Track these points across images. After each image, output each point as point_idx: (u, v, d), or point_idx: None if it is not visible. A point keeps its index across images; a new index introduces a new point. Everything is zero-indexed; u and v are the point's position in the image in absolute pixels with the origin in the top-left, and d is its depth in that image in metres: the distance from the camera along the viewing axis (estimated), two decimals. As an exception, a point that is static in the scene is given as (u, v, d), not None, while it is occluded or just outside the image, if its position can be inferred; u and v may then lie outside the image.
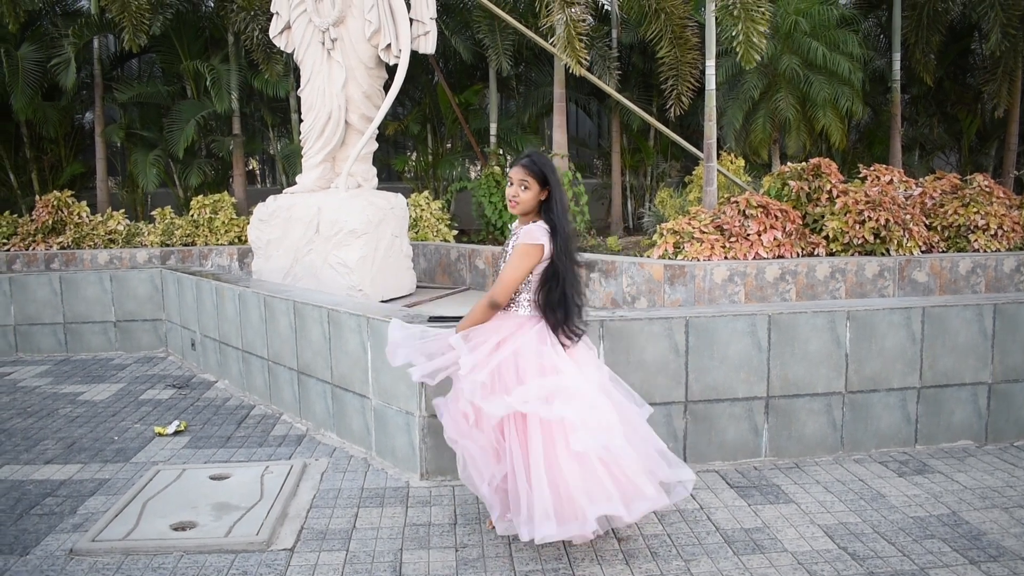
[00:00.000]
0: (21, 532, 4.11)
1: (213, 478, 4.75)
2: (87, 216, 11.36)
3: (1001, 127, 16.33)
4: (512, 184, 3.66)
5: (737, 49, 10.12)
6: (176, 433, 5.76)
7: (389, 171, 19.00)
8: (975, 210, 8.76)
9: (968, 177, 9.52)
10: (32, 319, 8.45)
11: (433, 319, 4.71)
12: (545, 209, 3.66)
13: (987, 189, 9.10)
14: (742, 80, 13.61)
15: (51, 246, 10.97)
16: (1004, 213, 8.85)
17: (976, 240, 8.63)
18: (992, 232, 8.69)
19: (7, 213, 11.80)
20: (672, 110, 12.08)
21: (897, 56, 14.62)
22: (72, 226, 11.15)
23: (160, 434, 5.72)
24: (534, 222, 3.67)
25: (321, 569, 3.64)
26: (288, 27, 8.72)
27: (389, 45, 8.25)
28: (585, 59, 10.64)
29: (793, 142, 13.82)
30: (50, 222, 11.08)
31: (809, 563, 3.62)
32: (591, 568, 3.60)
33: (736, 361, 4.83)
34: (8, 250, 10.97)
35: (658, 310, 5.07)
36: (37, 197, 12.04)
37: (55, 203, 11.18)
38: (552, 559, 3.68)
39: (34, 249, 10.92)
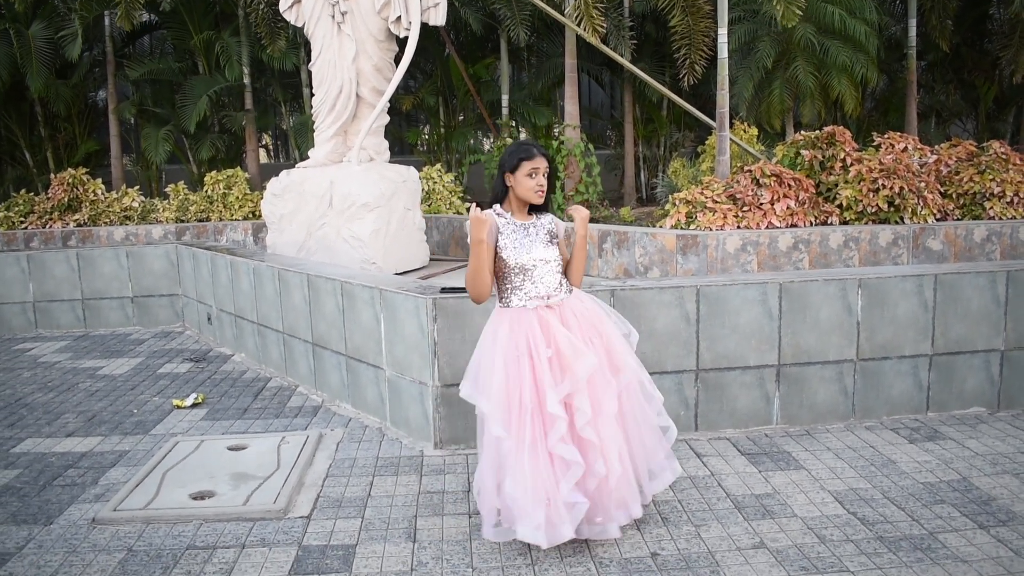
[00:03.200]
0: (45, 503, 4.21)
1: (231, 449, 4.83)
2: (102, 193, 11.42)
3: (1019, 93, 16.13)
4: (537, 174, 3.54)
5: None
6: (194, 406, 5.84)
7: (402, 144, 18.98)
8: (991, 177, 8.67)
9: (984, 144, 9.42)
10: (51, 296, 8.55)
11: (446, 290, 4.76)
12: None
13: (1003, 156, 8.99)
14: (755, 48, 13.47)
15: (67, 224, 11.05)
16: (1020, 180, 8.75)
17: (991, 207, 8.55)
18: (1008, 199, 8.61)
19: (23, 192, 11.88)
20: (685, 79, 11.98)
21: (913, 22, 14.42)
22: (88, 203, 11.22)
23: (178, 407, 5.81)
24: (542, 213, 3.70)
25: (337, 536, 3.71)
26: (298, 1, 8.71)
27: (399, 17, 8.23)
28: (601, 27, 10.56)
29: (808, 110, 13.69)
30: (66, 200, 11.15)
31: (819, 528, 3.65)
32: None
33: (747, 329, 4.84)
34: (25, 228, 11.06)
35: (669, 279, 5.08)
36: (52, 175, 12.09)
37: (70, 181, 11.24)
38: (564, 525, 3.73)
39: (51, 227, 11.01)
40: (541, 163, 3.54)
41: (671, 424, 3.78)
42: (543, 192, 3.57)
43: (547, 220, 3.67)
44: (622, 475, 3.48)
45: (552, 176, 3.64)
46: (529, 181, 3.54)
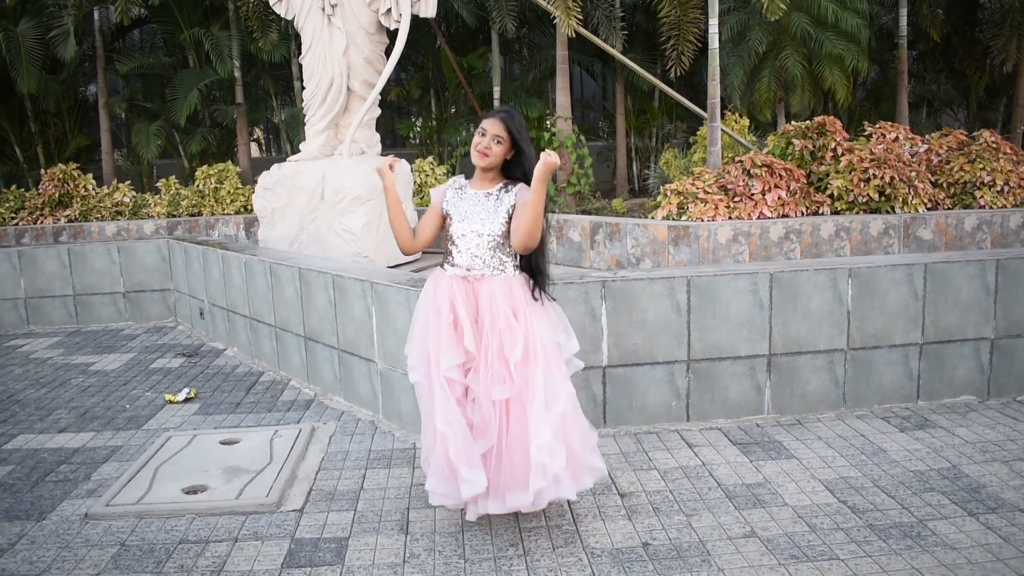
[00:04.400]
0: (37, 498, 4.21)
1: (223, 443, 4.84)
2: (93, 189, 11.38)
3: (1010, 82, 16.15)
4: (485, 135, 3.47)
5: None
6: (186, 400, 5.84)
7: (394, 137, 18.97)
8: (981, 166, 8.70)
9: (975, 133, 9.45)
10: (42, 292, 8.53)
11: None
12: (521, 173, 3.54)
13: (994, 145, 9.02)
14: (746, 38, 13.48)
15: (59, 219, 11.02)
16: (1011, 169, 8.78)
17: (982, 196, 8.58)
18: (998, 188, 8.64)
19: (14, 187, 11.83)
20: (673, 71, 11.99)
21: (904, 12, 14.43)
22: (79, 199, 11.18)
23: (171, 401, 5.81)
24: (507, 183, 3.57)
25: (330, 528, 3.72)
26: (287, -7, 8.67)
27: (389, 10, 8.20)
28: (579, 18, 10.54)
29: (798, 100, 13.71)
30: (57, 195, 11.11)
31: (809, 516, 3.68)
32: (594, 524, 3.67)
33: (738, 320, 4.86)
34: (16, 224, 11.03)
35: (660, 270, 5.09)
36: (43, 171, 12.05)
37: (61, 176, 11.20)
38: (555, 516, 3.75)
39: (42, 223, 10.98)
40: (492, 125, 3.47)
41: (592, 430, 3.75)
42: (483, 153, 3.47)
43: (513, 192, 3.54)
44: (520, 458, 3.42)
45: (515, 146, 3.51)
46: (476, 139, 3.50)
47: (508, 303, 3.50)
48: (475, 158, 3.51)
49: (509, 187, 3.57)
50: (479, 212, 3.54)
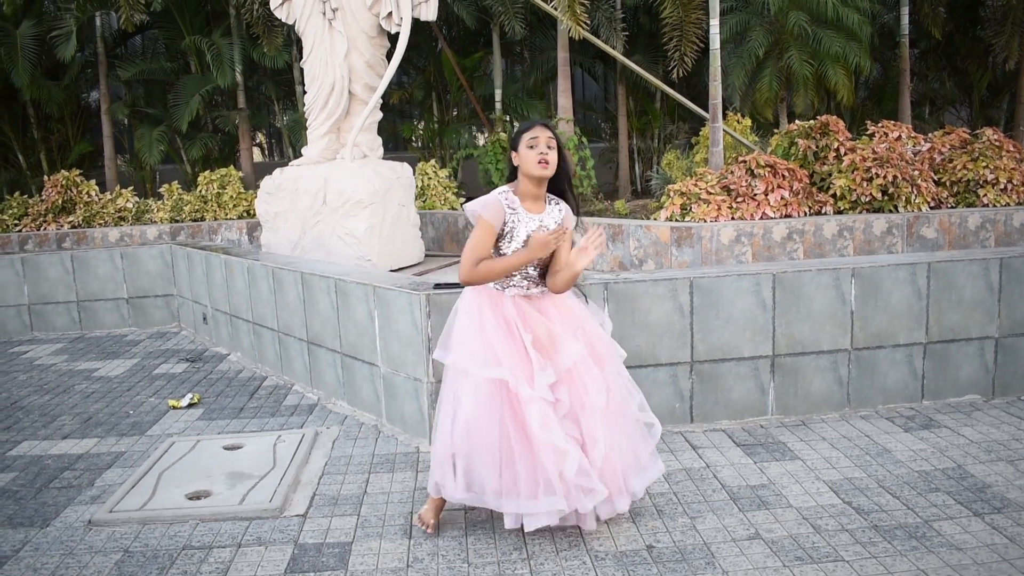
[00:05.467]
0: (41, 505, 4.21)
1: (227, 448, 4.83)
2: (96, 195, 11.41)
3: (1012, 80, 16.13)
4: (538, 144, 3.34)
5: None
6: (190, 406, 5.84)
7: (396, 140, 18.98)
8: (984, 164, 8.68)
9: (978, 131, 9.43)
10: (46, 298, 8.54)
11: (439, 285, 4.76)
12: (555, 185, 3.50)
13: (996, 143, 9.00)
14: (747, 38, 13.47)
15: (62, 225, 11.04)
16: (1014, 167, 8.76)
17: (985, 195, 8.56)
18: (1001, 186, 8.62)
19: (17, 194, 11.87)
20: (676, 71, 11.99)
21: (905, 10, 14.42)
22: (82, 205, 11.21)
23: (174, 407, 5.81)
24: (550, 197, 3.52)
25: (333, 533, 3.72)
26: (288, -2, 8.69)
27: (390, 13, 8.22)
28: (586, 22, 10.55)
29: (801, 100, 13.71)
30: (60, 202, 11.13)
31: (814, 518, 3.66)
32: (598, 527, 3.65)
33: (741, 321, 4.85)
34: (20, 231, 11.05)
35: (662, 271, 5.09)
36: (46, 177, 12.08)
37: (64, 183, 11.23)
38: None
39: (45, 229, 11.00)
40: (541, 132, 3.36)
41: (655, 421, 3.72)
42: (546, 162, 3.33)
43: (556, 215, 3.49)
44: (605, 468, 3.44)
45: (560, 156, 3.43)
46: (531, 152, 3.34)
47: (573, 311, 3.52)
48: (537, 169, 3.34)
49: (555, 206, 3.53)
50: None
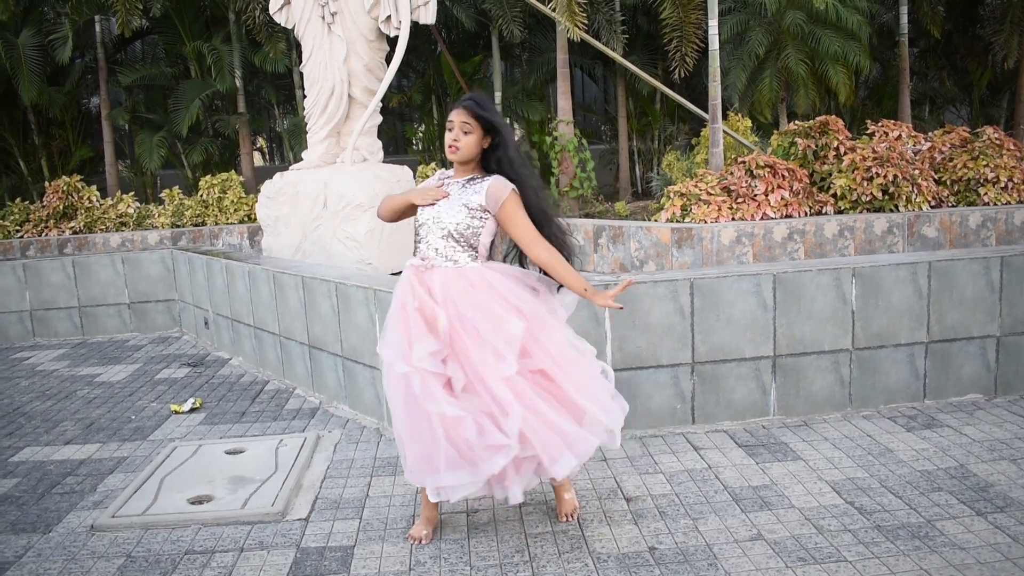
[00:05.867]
0: (43, 511, 4.21)
1: (228, 452, 4.83)
2: (97, 200, 11.42)
3: (1012, 78, 16.13)
4: (452, 128, 3.37)
5: None
6: (192, 410, 5.84)
7: (396, 143, 19.01)
8: (984, 163, 8.68)
9: (978, 130, 9.43)
10: (47, 304, 8.55)
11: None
12: (496, 161, 3.42)
13: (997, 142, 9.01)
14: (746, 38, 13.48)
15: (63, 231, 11.05)
16: (1014, 166, 8.76)
17: (986, 193, 8.56)
18: (1002, 185, 8.62)
19: (19, 200, 11.88)
20: (677, 72, 11.99)
21: (904, 9, 14.42)
22: (83, 211, 11.22)
23: (176, 412, 5.81)
24: (480, 175, 3.45)
25: (336, 537, 3.72)
26: (287, 3, 8.69)
27: (389, 17, 8.21)
28: (584, 23, 10.56)
29: (801, 100, 13.71)
30: (61, 207, 11.15)
31: (816, 518, 3.66)
32: (600, 529, 3.65)
33: (742, 321, 4.84)
34: (21, 237, 11.07)
35: (663, 273, 5.08)
36: (47, 183, 12.10)
37: (65, 188, 11.24)
38: (561, 521, 3.73)
39: (47, 235, 11.01)
40: (457, 116, 3.36)
41: (607, 368, 3.69)
42: (455, 147, 3.37)
43: (481, 187, 3.41)
44: (529, 435, 3.31)
45: (489, 130, 3.39)
46: (447, 135, 3.40)
47: (462, 295, 3.38)
48: (448, 154, 3.41)
49: (477, 180, 3.45)
50: (443, 202, 3.44)
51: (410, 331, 3.38)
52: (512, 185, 3.39)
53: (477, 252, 3.47)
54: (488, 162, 3.46)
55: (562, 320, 3.58)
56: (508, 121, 15.65)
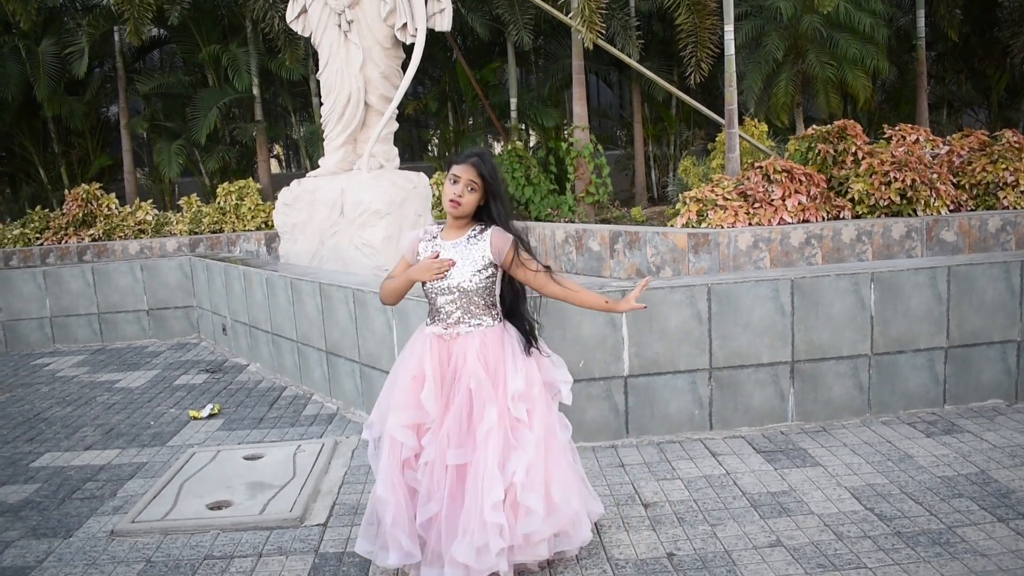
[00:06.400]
0: (64, 516, 4.24)
1: (247, 458, 4.86)
2: (116, 208, 11.51)
3: (1031, 81, 16.01)
4: (457, 182, 3.27)
5: None
6: (210, 416, 5.87)
7: (412, 150, 19.07)
8: (1004, 167, 8.61)
9: (996, 133, 9.36)
10: (67, 310, 8.63)
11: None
12: (488, 215, 3.34)
13: (1016, 145, 8.93)
14: (763, 43, 13.44)
15: (83, 239, 11.14)
16: (1034, 169, 8.69)
17: (1005, 197, 8.50)
18: (1022, 188, 8.55)
19: (39, 208, 12.00)
20: (692, 77, 11.97)
21: (921, 12, 14.34)
22: (102, 218, 11.31)
23: (195, 418, 5.84)
24: (476, 228, 3.35)
25: (354, 543, 3.71)
26: (304, 11, 8.75)
27: (405, 24, 8.25)
28: (601, 31, 10.56)
29: (821, 103, 13.65)
30: (80, 215, 11.24)
31: (835, 524, 3.64)
32: (618, 535, 3.64)
33: (760, 327, 4.83)
34: (41, 244, 11.16)
35: (680, 278, 5.07)
36: (67, 191, 12.20)
37: (84, 196, 11.33)
38: (580, 527, 3.73)
39: (66, 242, 11.10)
40: (464, 172, 3.26)
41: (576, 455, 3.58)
42: (455, 203, 3.27)
43: (485, 238, 3.32)
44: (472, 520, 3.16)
45: (489, 191, 3.31)
46: (447, 187, 3.29)
47: (480, 361, 3.29)
48: (447, 207, 3.30)
49: (478, 233, 3.34)
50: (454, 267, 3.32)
51: (395, 397, 3.34)
52: (510, 235, 3.32)
53: (497, 309, 3.42)
54: (481, 215, 3.38)
55: (555, 401, 3.48)
56: (523, 128, 15.70)
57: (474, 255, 3.32)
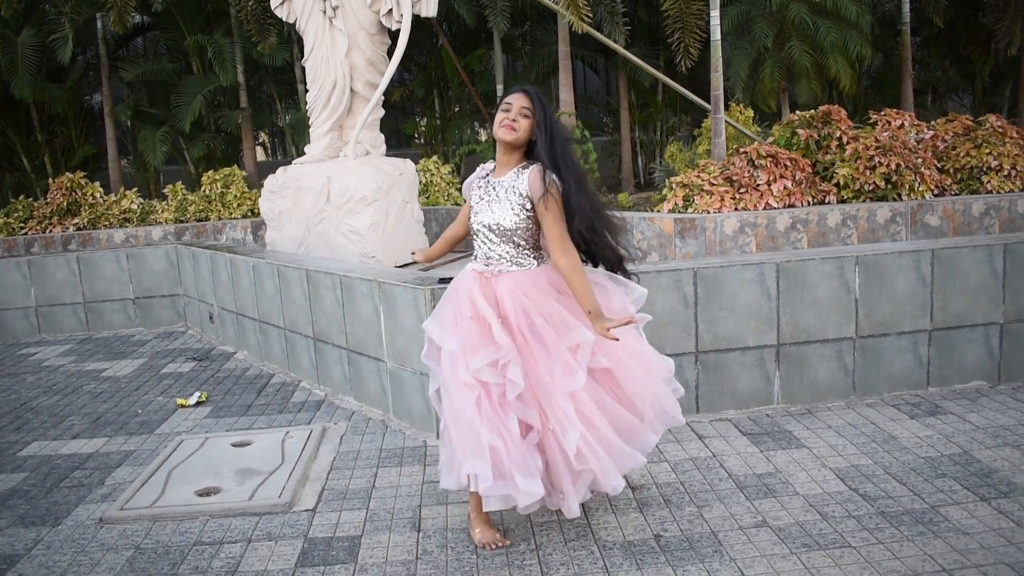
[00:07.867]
0: (52, 504, 4.24)
1: (235, 445, 4.86)
2: (101, 196, 11.43)
3: (1015, 66, 16.08)
4: (510, 110, 3.26)
5: None
6: (198, 404, 5.87)
7: (398, 137, 19.00)
8: (988, 151, 8.66)
9: (981, 118, 9.40)
10: (53, 300, 8.58)
11: (443, 280, 4.77)
12: (544, 152, 3.26)
13: (1000, 130, 8.98)
14: (749, 29, 13.45)
15: (67, 228, 11.07)
16: (1017, 153, 8.74)
17: (989, 181, 8.55)
18: (1005, 173, 8.60)
19: (22, 197, 11.90)
20: (681, 63, 11.96)
21: (906, -2, 14.37)
22: (87, 207, 11.23)
23: (182, 405, 5.84)
24: (522, 164, 3.34)
25: (342, 527, 3.74)
26: (288, -3, 8.70)
27: (391, 10, 8.22)
28: (588, 16, 10.54)
29: (804, 90, 13.67)
30: (65, 204, 11.16)
31: (820, 505, 3.67)
32: (605, 517, 3.67)
33: (746, 310, 4.86)
34: (25, 234, 11.09)
35: (666, 263, 5.10)
36: (50, 180, 12.10)
37: (68, 185, 11.25)
38: (568, 510, 3.75)
39: (51, 231, 11.03)
40: (517, 99, 3.28)
41: (679, 387, 3.66)
42: (510, 127, 3.26)
43: (525, 177, 3.30)
44: (583, 452, 3.26)
45: (542, 128, 3.26)
46: (500, 116, 3.30)
47: (531, 301, 3.31)
48: (501, 133, 3.27)
49: (522, 170, 3.33)
50: (491, 202, 3.36)
51: (467, 340, 3.31)
52: (555, 178, 3.25)
53: (541, 251, 3.42)
54: (534, 152, 3.34)
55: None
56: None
57: (513, 197, 3.32)
